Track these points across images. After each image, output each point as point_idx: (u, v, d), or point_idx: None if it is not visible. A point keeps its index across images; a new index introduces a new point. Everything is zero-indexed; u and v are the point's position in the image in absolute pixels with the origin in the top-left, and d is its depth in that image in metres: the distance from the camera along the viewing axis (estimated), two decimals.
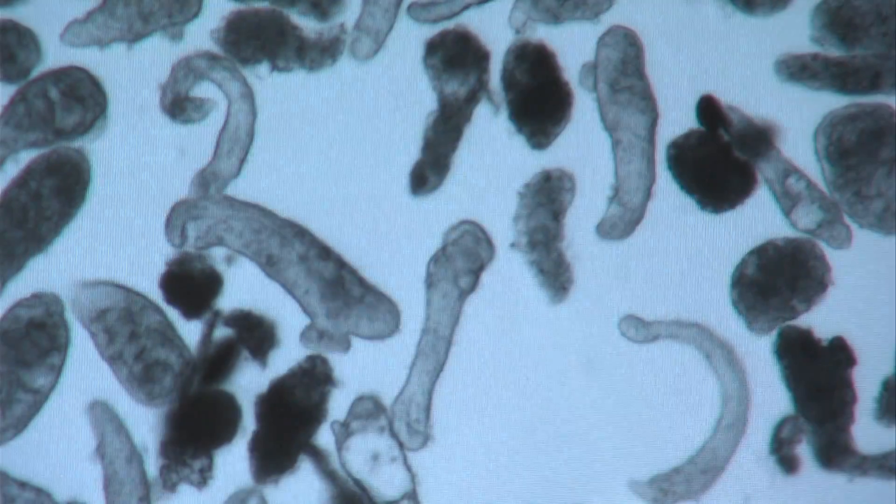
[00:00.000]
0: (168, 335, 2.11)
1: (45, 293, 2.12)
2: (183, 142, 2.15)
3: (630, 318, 2.15)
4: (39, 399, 2.10)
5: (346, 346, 2.14)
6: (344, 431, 2.13)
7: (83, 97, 2.11)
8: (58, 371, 2.11)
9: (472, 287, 2.14)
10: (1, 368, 2.08)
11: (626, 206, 2.15)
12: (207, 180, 2.11)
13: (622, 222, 2.15)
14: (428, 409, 2.13)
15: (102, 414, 2.10)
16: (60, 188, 2.11)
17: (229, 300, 2.15)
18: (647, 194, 2.15)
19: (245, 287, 2.15)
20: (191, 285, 2.13)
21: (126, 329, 2.10)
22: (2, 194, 2.11)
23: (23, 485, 2.10)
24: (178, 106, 2.13)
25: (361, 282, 2.13)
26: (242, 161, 2.13)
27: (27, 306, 2.10)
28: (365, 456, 2.12)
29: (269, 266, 2.11)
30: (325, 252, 2.13)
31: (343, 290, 2.11)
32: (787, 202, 2.16)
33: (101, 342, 2.10)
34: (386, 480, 2.12)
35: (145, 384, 2.10)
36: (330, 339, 2.12)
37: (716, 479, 2.14)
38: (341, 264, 2.13)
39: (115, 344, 2.09)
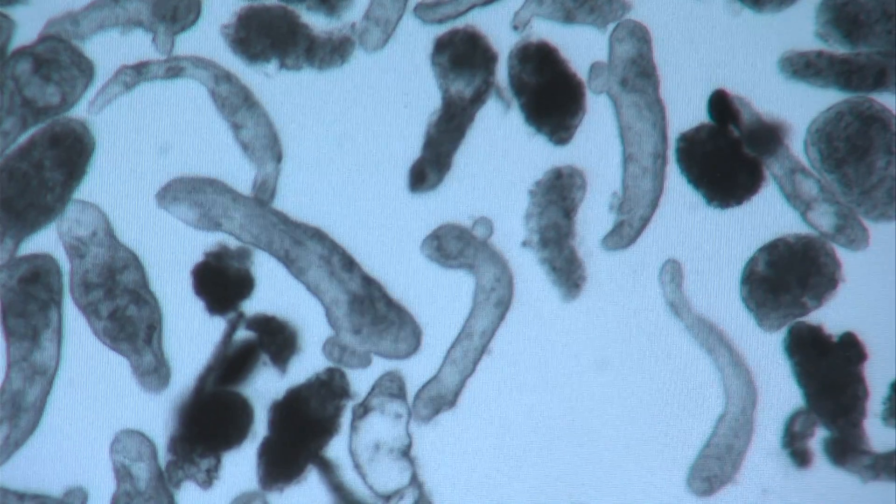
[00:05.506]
0: (142, 295, 2.08)
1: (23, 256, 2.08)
2: (166, 136, 2.12)
3: (671, 274, 2.14)
4: (46, 382, 2.07)
5: (366, 362, 2.12)
6: (361, 411, 2.11)
7: (60, 66, 2.05)
8: (58, 333, 2.07)
9: None
10: (14, 354, 2.04)
11: (631, 218, 2.14)
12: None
13: (628, 232, 2.15)
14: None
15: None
16: (63, 160, 2.06)
17: (256, 304, 2.13)
18: (654, 207, 2.15)
19: (273, 292, 2.12)
20: (223, 281, 2.10)
21: (104, 283, 2.06)
22: (4, 162, 2.07)
23: (21, 497, 2.07)
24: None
25: (388, 299, 2.11)
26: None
27: (12, 267, 2.06)
28: (369, 442, 2.10)
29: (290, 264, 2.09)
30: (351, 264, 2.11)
31: (372, 307, 2.09)
32: (800, 204, 2.16)
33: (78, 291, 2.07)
34: (383, 472, 2.10)
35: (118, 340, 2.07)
36: (352, 355, 2.11)
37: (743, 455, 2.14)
38: (368, 280, 2.11)
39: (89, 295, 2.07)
